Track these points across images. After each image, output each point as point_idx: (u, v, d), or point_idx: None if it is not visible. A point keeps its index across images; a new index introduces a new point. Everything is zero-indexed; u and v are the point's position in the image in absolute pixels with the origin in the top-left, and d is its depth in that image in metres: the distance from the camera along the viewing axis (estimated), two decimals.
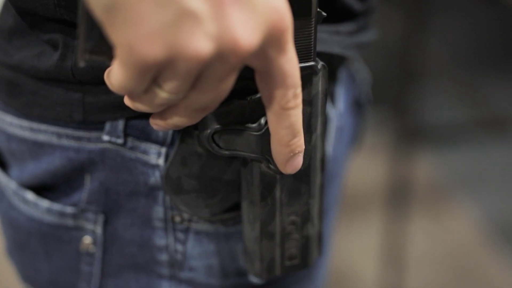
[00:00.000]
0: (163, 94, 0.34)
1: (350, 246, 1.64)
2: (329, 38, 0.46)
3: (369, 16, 0.51)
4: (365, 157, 0.68)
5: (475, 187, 2.09)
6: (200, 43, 0.32)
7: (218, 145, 0.41)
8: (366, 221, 1.88)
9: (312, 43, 0.40)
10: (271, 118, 0.38)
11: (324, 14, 0.39)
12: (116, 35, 0.32)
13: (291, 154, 0.39)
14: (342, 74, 0.55)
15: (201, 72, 0.33)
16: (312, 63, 0.40)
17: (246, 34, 0.33)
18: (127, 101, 0.37)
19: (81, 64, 0.35)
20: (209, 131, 0.40)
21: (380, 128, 2.23)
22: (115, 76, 0.34)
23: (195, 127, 0.42)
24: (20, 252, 0.53)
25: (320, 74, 0.40)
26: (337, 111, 0.54)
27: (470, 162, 2.20)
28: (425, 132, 1.79)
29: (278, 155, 0.40)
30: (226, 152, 0.41)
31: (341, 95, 0.55)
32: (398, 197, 1.72)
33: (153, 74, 0.33)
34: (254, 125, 0.40)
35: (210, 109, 0.37)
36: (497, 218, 1.94)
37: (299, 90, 0.37)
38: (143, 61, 0.32)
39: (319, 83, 0.41)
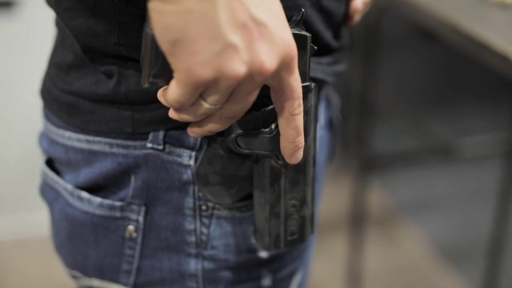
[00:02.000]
0: (206, 105, 0.46)
1: (315, 267, 1.76)
2: (314, 67, 0.58)
3: (342, 52, 0.64)
4: (327, 185, 0.77)
5: (424, 212, 2.21)
6: (238, 67, 0.43)
7: (240, 146, 0.53)
8: (329, 244, 1.98)
9: (307, 68, 0.52)
10: (282, 122, 0.49)
11: (316, 47, 0.52)
12: (177, 62, 0.43)
13: (296, 148, 0.51)
14: (322, 96, 0.67)
15: (235, 88, 0.45)
16: (307, 83, 0.52)
17: (269, 60, 0.43)
18: (172, 114, 0.48)
19: (145, 85, 0.46)
20: (233, 135, 0.52)
21: (340, 158, 2.34)
22: (172, 93, 0.45)
23: (219, 134, 0.54)
24: (73, 242, 0.62)
25: (313, 92, 0.53)
26: (319, 124, 0.65)
27: (418, 189, 2.32)
28: (379, 162, 1.90)
29: (286, 150, 0.51)
30: (246, 151, 0.53)
31: (321, 112, 0.67)
32: (357, 222, 1.81)
33: (201, 90, 0.44)
34: (266, 129, 0.52)
35: (237, 117, 0.48)
36: (441, 240, 2.06)
37: (301, 101, 0.48)
38: (197, 81, 0.43)
39: (312, 98, 0.53)
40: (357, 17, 0.63)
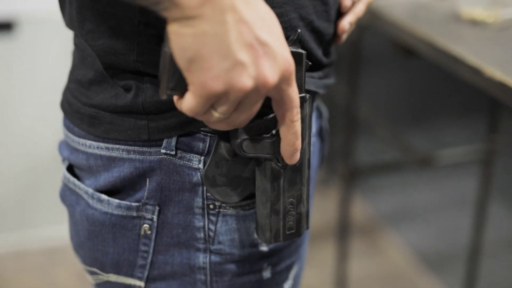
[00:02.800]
0: (216, 115, 0.51)
1: (304, 275, 1.81)
2: (308, 80, 0.64)
3: (331, 67, 0.70)
4: (316, 197, 0.81)
5: (405, 221, 2.28)
6: (246, 81, 0.48)
7: (244, 150, 0.59)
8: (318, 252, 2.03)
9: (303, 81, 0.59)
10: (283, 128, 0.55)
11: (310, 63, 0.59)
12: (193, 77, 0.49)
13: (294, 151, 0.57)
14: (314, 107, 0.73)
15: (242, 100, 0.50)
16: (303, 94, 0.59)
17: (271, 75, 0.49)
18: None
19: (163, 97, 0.52)
20: (239, 140, 0.58)
21: (326, 171, 2.38)
22: (188, 103, 0.50)
23: (225, 140, 0.60)
24: (93, 240, 0.67)
25: (308, 102, 0.59)
26: (312, 132, 0.71)
27: (400, 199, 2.38)
28: (363, 173, 1.95)
29: (286, 152, 0.57)
30: (250, 155, 0.59)
31: (314, 121, 0.73)
32: (343, 232, 1.86)
33: (213, 102, 0.50)
34: (268, 135, 0.58)
35: (243, 125, 0.54)
36: (422, 247, 2.14)
37: (299, 109, 0.55)
38: (210, 93, 0.49)
39: (307, 108, 0.60)
40: (344, 37, 0.69)
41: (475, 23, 1.21)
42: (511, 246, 2.16)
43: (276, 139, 0.58)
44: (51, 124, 1.90)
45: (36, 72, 1.84)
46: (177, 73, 0.50)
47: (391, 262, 2.07)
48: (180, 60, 0.49)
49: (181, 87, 0.51)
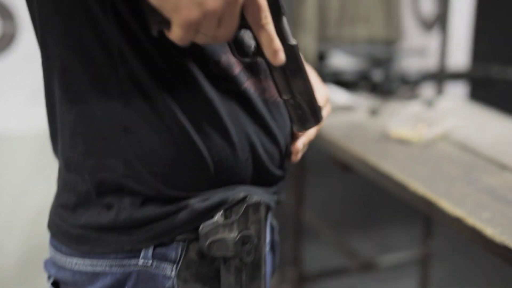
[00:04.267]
0: (202, 36, 0.57)
1: None
2: (263, 194, 0.71)
3: (283, 181, 0.78)
4: None
5: None
6: (216, 2, 0.53)
7: (212, 250, 0.67)
8: None
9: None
10: (257, 33, 0.60)
11: None
12: (168, 12, 0.54)
13: (275, 51, 0.61)
14: (268, 221, 0.80)
15: (221, 17, 0.55)
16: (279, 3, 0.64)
17: None
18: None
19: (155, 33, 0.58)
20: (207, 242, 0.67)
21: (279, 279, 2.42)
22: (176, 35, 0.56)
23: (194, 245, 0.69)
24: None
25: (262, 205, 0.69)
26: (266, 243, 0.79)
27: None
28: (312, 279, 1.98)
29: (268, 55, 0.62)
30: (217, 254, 0.67)
31: (267, 234, 0.80)
32: None
33: (196, 27, 0.55)
34: (230, 236, 0.68)
35: (228, 38, 0.59)
36: None
37: (267, 14, 0.59)
38: (189, 22, 0.54)
39: (262, 211, 0.70)
40: (299, 155, 0.78)
41: (402, 141, 1.35)
42: None
43: (238, 240, 0.68)
44: (15, 241, 1.93)
45: (1, 186, 1.90)
46: (158, 12, 0.56)
47: None
48: (153, 1, 0.55)
49: (166, 22, 0.57)
